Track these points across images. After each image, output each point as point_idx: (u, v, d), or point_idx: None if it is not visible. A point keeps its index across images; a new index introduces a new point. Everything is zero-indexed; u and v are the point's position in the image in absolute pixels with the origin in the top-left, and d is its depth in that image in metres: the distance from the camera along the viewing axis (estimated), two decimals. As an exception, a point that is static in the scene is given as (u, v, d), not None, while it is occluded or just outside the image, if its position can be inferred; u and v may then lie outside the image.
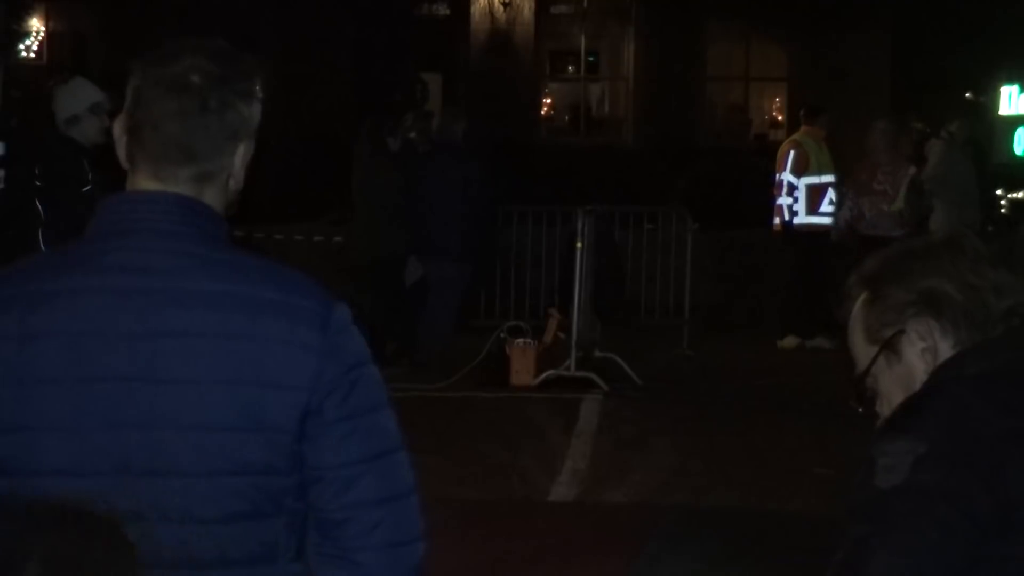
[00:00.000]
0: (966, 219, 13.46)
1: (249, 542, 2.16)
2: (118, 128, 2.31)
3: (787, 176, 13.55)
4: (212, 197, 2.28)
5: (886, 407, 2.34)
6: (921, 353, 2.30)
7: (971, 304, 2.28)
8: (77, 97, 8.07)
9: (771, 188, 13.80)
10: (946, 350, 2.28)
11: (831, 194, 13.53)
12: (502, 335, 11.93)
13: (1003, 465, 2.12)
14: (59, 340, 2.15)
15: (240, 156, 2.30)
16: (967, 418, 2.16)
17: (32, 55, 21.12)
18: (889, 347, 2.32)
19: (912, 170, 12.90)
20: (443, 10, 21.42)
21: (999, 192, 15.70)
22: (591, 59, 22.06)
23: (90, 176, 7.73)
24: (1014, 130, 17.48)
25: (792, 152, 13.68)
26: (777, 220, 13.68)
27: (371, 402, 2.21)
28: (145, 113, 2.25)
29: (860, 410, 2.38)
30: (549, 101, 22.16)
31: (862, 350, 2.36)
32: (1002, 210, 15.61)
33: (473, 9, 20.81)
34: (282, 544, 2.18)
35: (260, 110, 2.32)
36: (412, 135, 12.28)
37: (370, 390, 2.21)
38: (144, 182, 2.27)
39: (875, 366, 2.34)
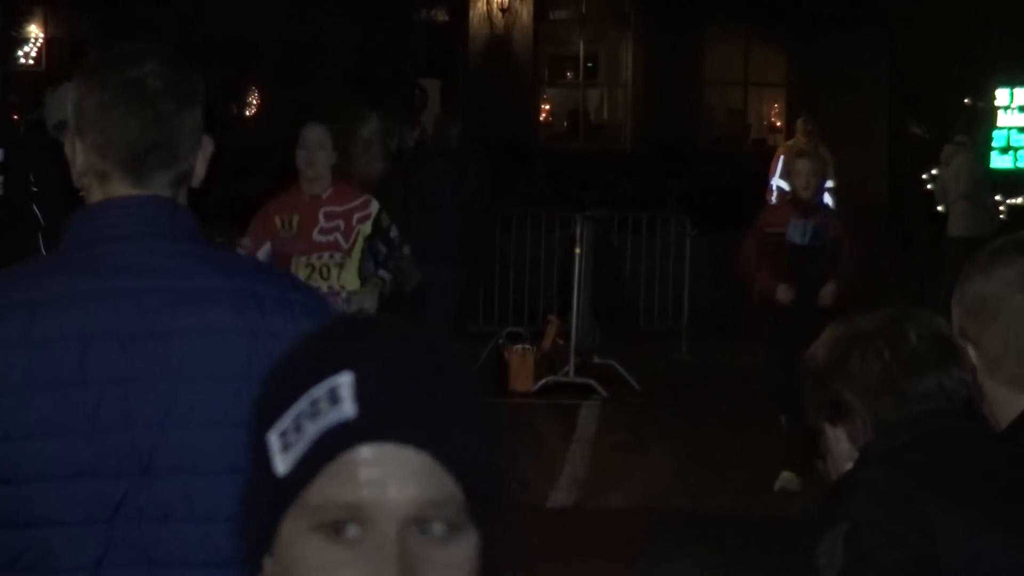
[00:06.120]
0: (981, 224, 13.49)
1: None
2: (77, 146, 2.31)
3: (777, 181, 13.63)
4: (183, 197, 2.33)
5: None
6: (838, 453, 2.45)
7: (870, 414, 2.40)
8: (66, 102, 8.06)
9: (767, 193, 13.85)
10: (853, 454, 2.44)
11: (827, 200, 13.55)
12: (501, 341, 11.94)
13: (928, 522, 2.19)
14: (69, 344, 2.16)
15: (200, 156, 2.34)
16: (880, 489, 2.29)
17: (31, 61, 21.11)
18: (818, 433, 2.49)
19: (361, 200, 7.35)
20: (442, 15, 21.43)
21: (998, 198, 15.70)
22: (589, 65, 22.07)
23: None
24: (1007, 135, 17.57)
25: (783, 157, 13.75)
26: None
27: None
28: (118, 126, 2.26)
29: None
30: (548, 107, 22.17)
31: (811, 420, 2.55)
32: (1000, 215, 15.60)
33: (472, 14, 20.81)
34: None
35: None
36: (402, 142, 12.32)
37: None
38: (122, 190, 2.28)
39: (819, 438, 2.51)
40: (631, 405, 11.04)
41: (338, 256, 7.07)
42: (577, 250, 11.99)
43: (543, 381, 11.40)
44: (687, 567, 6.84)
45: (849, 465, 2.40)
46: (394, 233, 7.21)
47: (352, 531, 1.24)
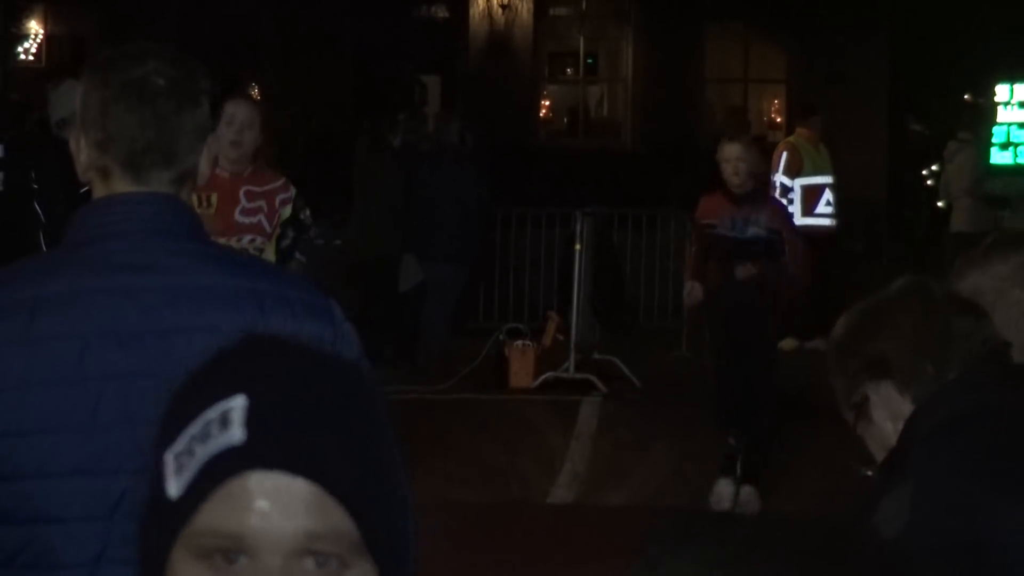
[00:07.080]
0: (982, 220, 13.50)
1: None
2: (81, 142, 2.32)
3: (779, 177, 13.60)
4: (186, 196, 2.33)
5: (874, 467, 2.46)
6: (889, 415, 2.39)
7: (914, 363, 2.36)
8: (68, 100, 8.07)
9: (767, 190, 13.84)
10: (906, 408, 2.36)
11: (828, 195, 13.56)
12: (501, 337, 11.94)
13: (975, 505, 2.19)
14: (70, 342, 2.16)
15: (204, 154, 2.35)
16: (929, 476, 2.26)
17: (31, 58, 21.11)
18: (860, 413, 2.42)
19: (282, 182, 6.64)
20: (441, 12, 21.42)
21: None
22: (590, 61, 22.06)
23: None
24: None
25: (785, 153, 13.75)
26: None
27: None
28: (118, 123, 2.28)
29: (868, 473, 2.47)
30: (548, 103, 22.16)
31: (845, 414, 2.46)
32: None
33: (472, 11, 20.80)
34: None
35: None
36: (408, 136, 12.32)
37: None
38: (123, 187, 2.29)
39: (858, 429, 2.42)
40: (631, 402, 11.03)
41: (259, 240, 6.43)
42: (577, 247, 11.99)
43: (543, 377, 11.38)
44: (686, 564, 6.84)
45: (895, 428, 2.36)
46: (305, 215, 6.61)
47: (242, 561, 1.21)
